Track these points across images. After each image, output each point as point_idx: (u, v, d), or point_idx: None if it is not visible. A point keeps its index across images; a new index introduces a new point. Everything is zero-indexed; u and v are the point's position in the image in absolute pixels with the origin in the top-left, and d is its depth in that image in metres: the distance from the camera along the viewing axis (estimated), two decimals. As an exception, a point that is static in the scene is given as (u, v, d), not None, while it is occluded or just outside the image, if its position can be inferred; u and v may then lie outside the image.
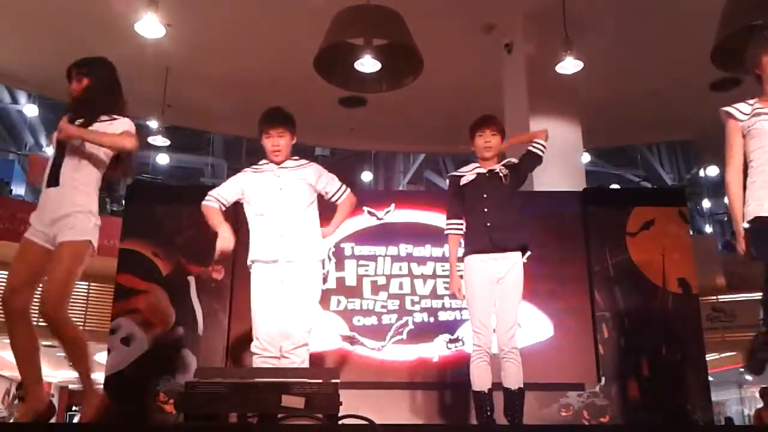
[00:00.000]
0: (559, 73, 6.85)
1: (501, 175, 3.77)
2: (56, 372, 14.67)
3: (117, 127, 3.23)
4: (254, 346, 3.57)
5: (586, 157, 10.73)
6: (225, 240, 3.61)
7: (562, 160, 7.21)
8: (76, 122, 3.19)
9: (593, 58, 7.02)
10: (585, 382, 4.76)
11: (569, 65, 6.75)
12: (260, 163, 3.84)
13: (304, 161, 3.84)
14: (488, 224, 3.67)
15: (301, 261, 3.63)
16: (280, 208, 3.68)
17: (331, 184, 3.85)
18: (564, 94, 7.30)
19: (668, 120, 10.32)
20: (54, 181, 3.17)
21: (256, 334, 3.58)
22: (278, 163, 3.76)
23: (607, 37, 7.61)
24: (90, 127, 3.17)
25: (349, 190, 3.91)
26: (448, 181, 4.07)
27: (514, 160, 3.87)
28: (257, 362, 3.55)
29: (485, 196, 3.74)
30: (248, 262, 3.68)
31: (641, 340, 4.80)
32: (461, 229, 3.81)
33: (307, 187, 3.75)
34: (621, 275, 4.95)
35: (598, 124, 8.90)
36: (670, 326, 4.84)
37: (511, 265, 3.64)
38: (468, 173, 3.85)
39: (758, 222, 2.97)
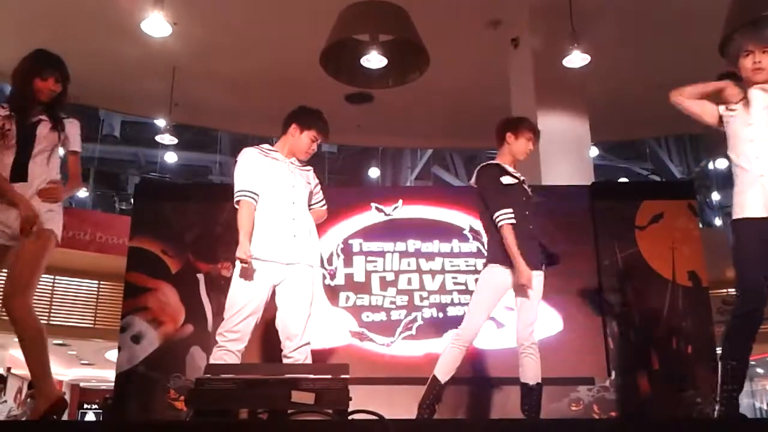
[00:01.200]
0: (566, 67, 6.83)
1: (528, 192, 3.77)
2: (67, 370, 14.79)
3: (75, 134, 3.38)
4: (224, 340, 3.39)
5: (594, 151, 10.69)
6: (243, 250, 3.40)
7: (570, 154, 7.19)
8: (39, 117, 3.25)
9: (600, 52, 6.99)
10: (595, 376, 4.76)
11: (576, 59, 6.73)
12: (267, 147, 3.72)
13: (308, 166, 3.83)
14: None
15: (310, 264, 3.57)
16: (289, 207, 3.57)
17: (319, 193, 3.84)
18: (571, 88, 7.27)
19: (676, 113, 10.24)
20: (20, 177, 3.15)
21: (231, 327, 3.39)
22: (293, 160, 3.70)
23: (614, 30, 7.57)
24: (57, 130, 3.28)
25: (326, 206, 3.90)
26: (488, 171, 3.77)
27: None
28: (220, 355, 3.37)
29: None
30: (240, 255, 3.39)
31: (651, 334, 4.80)
32: (514, 218, 3.60)
33: (308, 190, 3.72)
34: (630, 269, 4.94)
35: (606, 117, 8.86)
36: (680, 320, 4.83)
37: None
38: (510, 174, 3.74)
39: (742, 223, 2.96)
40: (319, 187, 3.83)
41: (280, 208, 3.55)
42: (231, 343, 3.39)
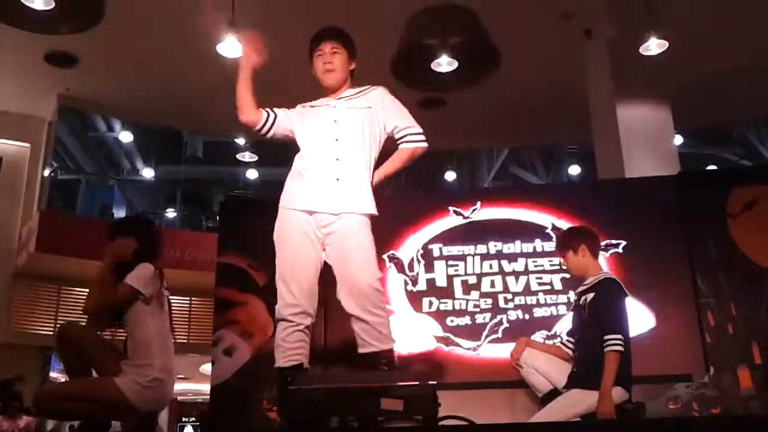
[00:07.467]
0: (643, 54, 6.63)
1: None
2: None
3: None
4: (290, 314, 3.03)
5: (679, 140, 10.31)
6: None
7: (653, 144, 6.98)
8: None
9: (678, 37, 6.74)
10: (692, 372, 4.58)
11: (654, 46, 6.53)
12: (317, 101, 3.19)
13: (367, 87, 3.15)
14: None
15: (358, 213, 2.97)
16: (332, 144, 2.97)
17: (399, 116, 3.11)
18: (650, 77, 7.07)
19: (764, 94, 9.79)
20: None
21: (293, 301, 3.02)
22: (333, 91, 3.09)
23: (691, 13, 7.30)
24: None
25: (421, 135, 3.12)
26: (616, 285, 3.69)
27: None
28: (288, 332, 3.06)
29: None
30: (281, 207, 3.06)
31: (750, 326, 4.58)
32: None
33: (367, 118, 3.04)
34: (724, 259, 4.73)
35: (689, 104, 8.53)
36: (782, 310, 4.59)
37: None
38: None
39: None
40: (393, 109, 3.13)
41: (319, 148, 3.00)
42: (299, 318, 3.01)
